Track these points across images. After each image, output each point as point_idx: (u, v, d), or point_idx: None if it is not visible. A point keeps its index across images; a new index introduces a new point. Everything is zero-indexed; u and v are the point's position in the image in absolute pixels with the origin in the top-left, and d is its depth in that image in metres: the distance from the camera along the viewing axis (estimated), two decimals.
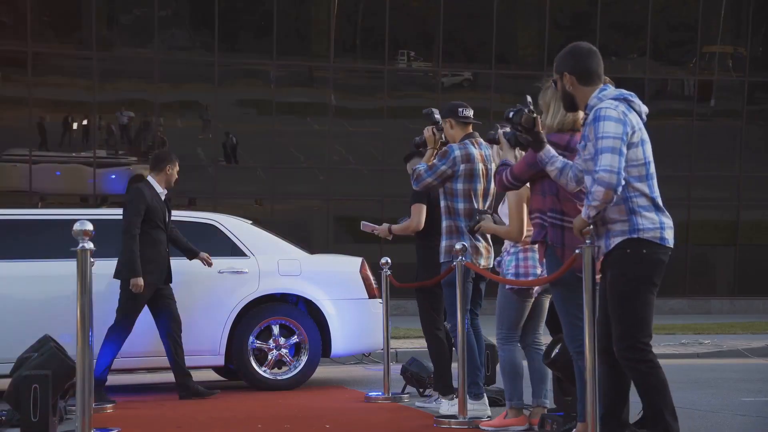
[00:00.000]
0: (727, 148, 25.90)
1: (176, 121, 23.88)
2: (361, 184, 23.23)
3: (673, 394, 5.17)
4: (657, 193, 5.16)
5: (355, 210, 21.41)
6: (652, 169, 5.13)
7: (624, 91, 5.24)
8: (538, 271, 6.38)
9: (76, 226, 5.70)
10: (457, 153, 7.32)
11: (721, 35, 26.27)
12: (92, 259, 5.77)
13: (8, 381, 7.12)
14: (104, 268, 8.60)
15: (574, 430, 5.74)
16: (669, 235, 5.14)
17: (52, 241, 8.92)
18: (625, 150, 5.00)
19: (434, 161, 7.43)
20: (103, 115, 23.06)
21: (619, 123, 5.02)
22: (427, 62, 25.19)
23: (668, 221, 5.17)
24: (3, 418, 7.00)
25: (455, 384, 7.22)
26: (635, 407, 5.55)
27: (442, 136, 7.57)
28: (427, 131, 7.62)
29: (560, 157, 5.48)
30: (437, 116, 7.58)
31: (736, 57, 26.54)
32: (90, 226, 5.73)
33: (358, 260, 9.94)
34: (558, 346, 6.19)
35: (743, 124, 25.93)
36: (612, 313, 5.11)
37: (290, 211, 23.57)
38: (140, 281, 8.45)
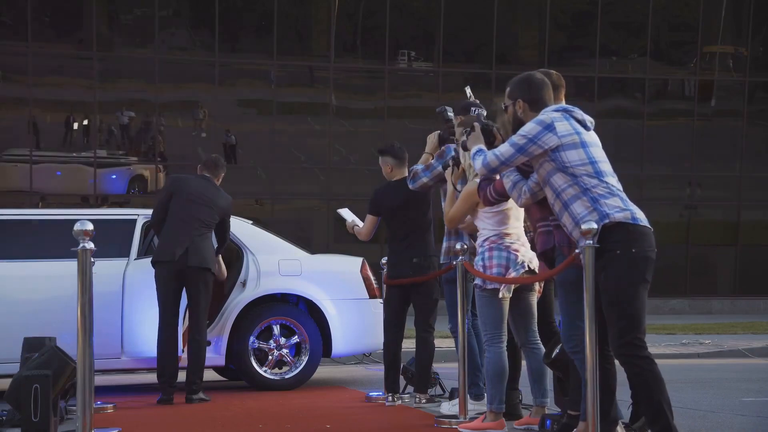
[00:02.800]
0: (728, 149, 25.91)
1: (176, 121, 23.88)
2: (362, 184, 23.22)
3: (673, 394, 5.19)
4: (617, 189, 5.30)
5: (356, 210, 21.39)
6: (605, 168, 5.32)
7: (565, 105, 5.48)
8: (503, 270, 6.38)
9: (77, 226, 5.70)
10: (454, 154, 7.32)
11: (722, 35, 26.28)
12: (93, 259, 5.77)
13: (8, 381, 7.12)
14: (110, 268, 8.65)
15: (575, 429, 5.74)
16: (641, 216, 5.26)
17: (52, 241, 8.91)
18: (529, 149, 5.30)
19: (432, 161, 7.45)
20: (104, 115, 23.07)
21: (537, 125, 5.33)
22: (427, 62, 25.19)
23: (636, 209, 5.28)
24: (3, 418, 6.99)
25: (456, 384, 7.23)
26: (626, 405, 5.56)
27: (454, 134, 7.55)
28: (433, 137, 7.62)
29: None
30: (450, 114, 7.55)
31: (736, 57, 26.54)
32: (90, 226, 5.72)
33: (359, 260, 9.94)
34: (559, 346, 6.18)
35: (744, 124, 25.94)
36: (607, 313, 5.21)
37: (290, 211, 23.57)
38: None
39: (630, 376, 5.18)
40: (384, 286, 8.59)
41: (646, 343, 5.19)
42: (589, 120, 5.45)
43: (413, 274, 7.87)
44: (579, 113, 5.42)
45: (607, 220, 5.17)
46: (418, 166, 7.50)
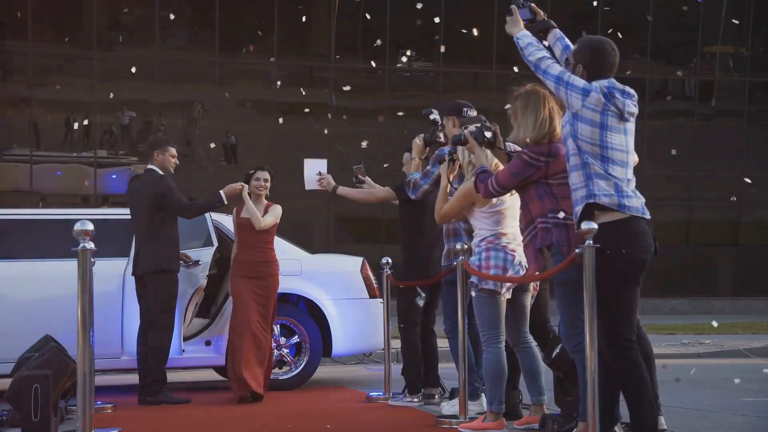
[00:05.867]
0: (728, 149, 25.90)
1: (176, 121, 23.88)
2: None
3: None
4: (617, 177, 5.26)
5: (356, 210, 21.41)
6: (616, 156, 5.28)
7: (615, 88, 5.35)
8: (500, 271, 6.36)
9: (77, 226, 5.70)
10: (450, 149, 7.31)
11: (722, 35, 26.27)
12: (93, 259, 5.77)
13: (9, 381, 7.12)
14: (110, 268, 8.66)
15: (575, 429, 5.74)
16: (633, 204, 5.25)
17: (52, 241, 8.91)
18: (561, 87, 5.33)
19: (428, 168, 7.47)
20: (104, 115, 23.07)
21: (581, 82, 5.32)
22: (427, 62, 25.18)
23: (632, 197, 5.27)
24: (4, 418, 7.00)
25: (456, 384, 7.23)
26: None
27: (441, 135, 7.55)
28: (418, 141, 7.63)
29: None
30: (436, 116, 7.56)
31: (736, 57, 26.54)
32: (90, 226, 5.72)
33: (359, 260, 9.94)
34: (559, 346, 6.18)
35: (744, 124, 25.93)
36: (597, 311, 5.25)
37: (290, 211, 23.47)
38: (229, 188, 8.58)
39: (615, 375, 5.26)
40: (385, 286, 8.59)
41: (635, 342, 5.25)
42: (628, 112, 5.35)
43: (440, 272, 7.83)
44: (621, 102, 5.32)
45: (592, 200, 5.23)
46: (415, 175, 7.51)
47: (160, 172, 8.61)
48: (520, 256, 6.40)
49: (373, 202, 8.42)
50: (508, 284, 6.42)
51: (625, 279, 5.20)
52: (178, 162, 8.82)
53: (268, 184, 8.73)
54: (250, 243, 8.66)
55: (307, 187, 8.25)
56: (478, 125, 6.30)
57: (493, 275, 6.34)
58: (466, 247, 6.93)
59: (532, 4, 5.91)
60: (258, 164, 9.01)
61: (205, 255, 8.97)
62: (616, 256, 5.15)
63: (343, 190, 8.25)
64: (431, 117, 7.59)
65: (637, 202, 5.28)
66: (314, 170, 8.20)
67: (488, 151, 6.31)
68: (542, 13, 5.97)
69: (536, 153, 5.77)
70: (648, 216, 5.31)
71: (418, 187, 7.46)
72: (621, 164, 5.29)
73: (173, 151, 8.75)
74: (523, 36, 5.68)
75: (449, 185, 6.76)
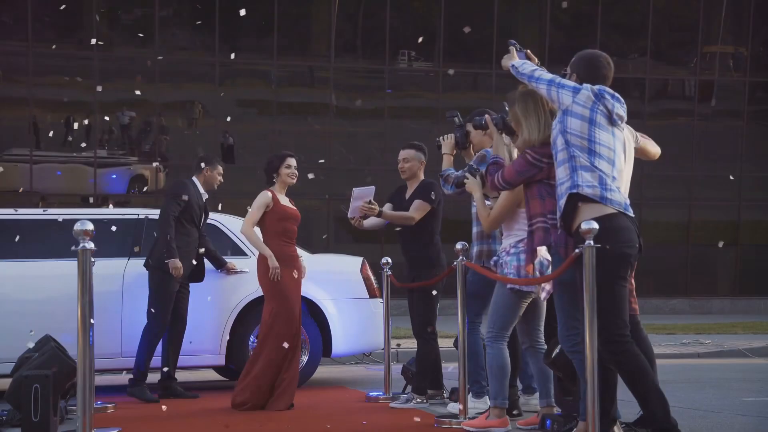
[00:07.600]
0: (729, 149, 25.90)
1: (176, 121, 23.88)
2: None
3: (673, 393, 5.22)
4: (604, 171, 5.35)
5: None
6: (603, 152, 5.38)
7: (606, 91, 5.51)
8: (538, 273, 6.35)
9: (77, 226, 5.70)
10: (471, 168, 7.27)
11: (722, 35, 26.27)
12: (93, 259, 5.77)
13: (9, 381, 7.12)
14: (110, 268, 8.67)
15: (575, 429, 5.75)
16: (616, 198, 5.34)
17: (52, 241, 8.90)
18: (553, 89, 5.48)
19: (471, 162, 7.35)
20: (104, 115, 23.05)
21: (572, 83, 5.50)
22: (427, 62, 25.18)
23: (615, 192, 5.34)
24: (4, 418, 6.99)
25: (456, 384, 7.23)
26: (635, 407, 5.56)
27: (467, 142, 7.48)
28: (451, 139, 7.48)
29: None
30: (460, 119, 7.52)
31: (737, 57, 26.54)
32: (90, 226, 5.72)
33: (359, 260, 9.94)
34: (559, 347, 6.18)
35: (744, 124, 25.93)
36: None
37: None
38: (178, 263, 8.47)
39: (617, 370, 5.32)
40: (385, 286, 8.58)
41: (629, 336, 5.29)
42: (617, 114, 5.48)
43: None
44: (611, 104, 5.47)
45: (575, 190, 5.32)
46: (450, 170, 7.38)
47: (189, 184, 8.87)
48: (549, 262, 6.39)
49: (408, 222, 8.07)
50: (547, 288, 6.41)
51: (610, 274, 5.23)
52: (222, 180, 9.11)
53: (297, 172, 8.50)
54: (291, 236, 8.38)
55: (351, 214, 8.12)
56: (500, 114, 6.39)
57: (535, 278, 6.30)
58: (466, 247, 6.94)
59: (528, 51, 6.14)
60: (285, 151, 8.65)
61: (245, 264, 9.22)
62: (600, 252, 5.19)
63: (386, 213, 8.16)
64: (456, 120, 7.52)
65: (620, 197, 5.36)
66: (363, 198, 8.10)
67: (509, 140, 6.36)
68: (536, 60, 6.16)
69: (539, 154, 5.82)
70: (631, 214, 5.38)
71: (452, 188, 7.36)
72: (608, 160, 5.38)
73: (221, 169, 9.09)
74: (517, 61, 5.87)
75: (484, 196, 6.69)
